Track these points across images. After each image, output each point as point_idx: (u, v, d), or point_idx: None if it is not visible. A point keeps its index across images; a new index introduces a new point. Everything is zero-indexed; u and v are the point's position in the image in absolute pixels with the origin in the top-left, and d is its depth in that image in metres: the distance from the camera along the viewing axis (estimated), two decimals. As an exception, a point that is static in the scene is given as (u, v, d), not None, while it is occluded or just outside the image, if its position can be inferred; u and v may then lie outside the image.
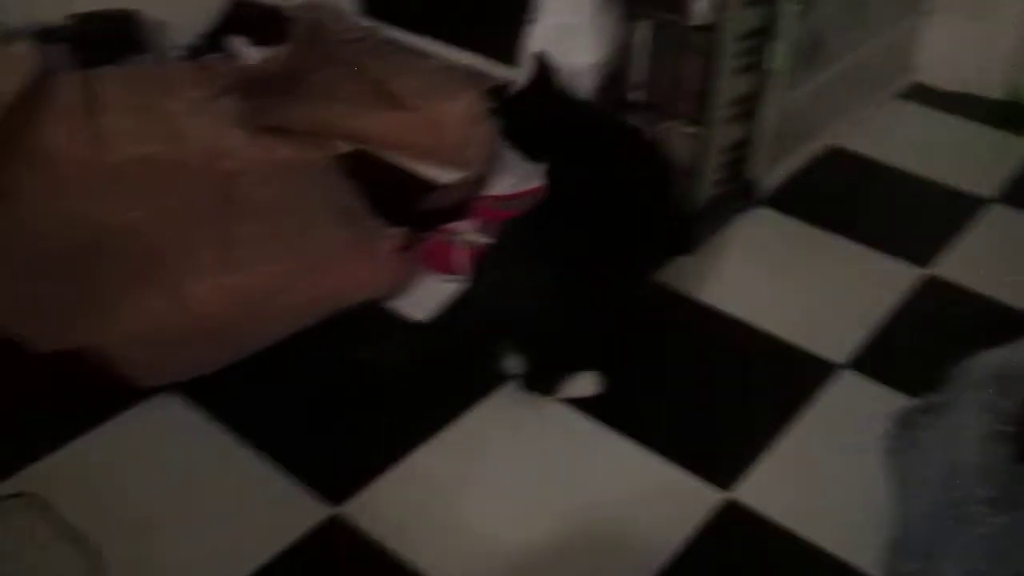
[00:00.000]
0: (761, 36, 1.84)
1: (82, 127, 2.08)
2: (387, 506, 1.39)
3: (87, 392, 1.56)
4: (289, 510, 1.38)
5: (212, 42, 2.52)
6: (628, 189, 1.61)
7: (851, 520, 1.38)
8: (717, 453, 1.49)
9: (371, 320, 1.73)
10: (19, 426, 1.52)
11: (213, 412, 1.53)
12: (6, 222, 1.89)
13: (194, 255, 1.82)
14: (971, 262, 1.90)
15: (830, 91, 2.17)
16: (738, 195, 2.02)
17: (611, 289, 1.57)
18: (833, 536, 1.36)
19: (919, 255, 1.91)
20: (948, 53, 2.48)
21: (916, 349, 1.69)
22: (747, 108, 1.91)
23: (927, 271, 1.88)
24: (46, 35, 2.17)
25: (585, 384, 1.58)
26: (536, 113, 1.68)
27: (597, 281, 1.53)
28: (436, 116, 2.17)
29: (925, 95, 2.50)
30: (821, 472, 1.46)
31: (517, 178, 1.90)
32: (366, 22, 2.56)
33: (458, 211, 1.91)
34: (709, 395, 1.61)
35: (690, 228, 1.91)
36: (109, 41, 2.28)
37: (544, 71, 1.70)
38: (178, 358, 1.61)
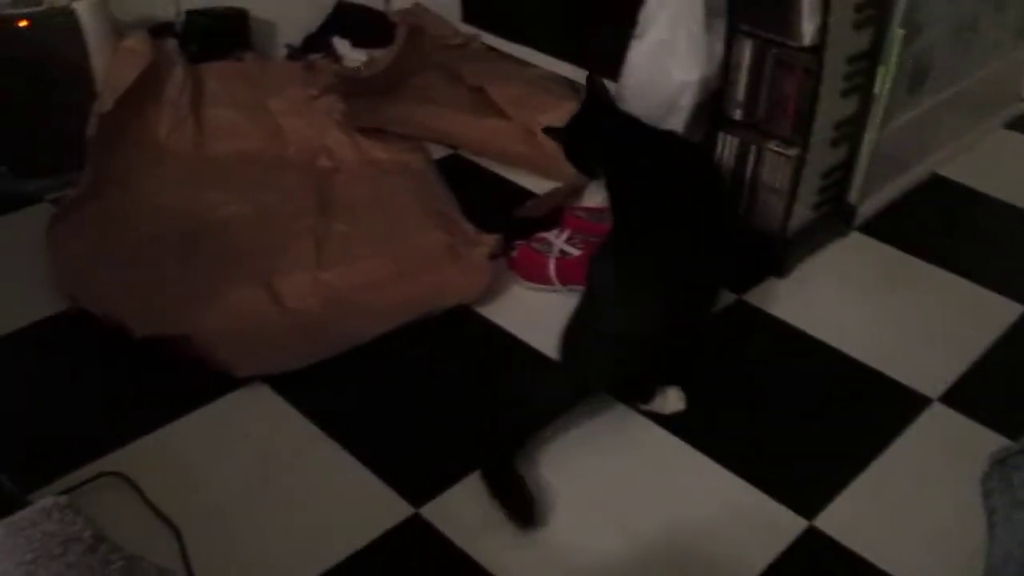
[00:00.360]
0: (866, 59, 1.82)
1: (187, 120, 2.13)
2: (467, 510, 1.40)
3: (181, 379, 1.60)
4: (370, 507, 1.40)
5: (316, 42, 2.57)
6: (684, 197, 1.64)
7: (934, 558, 1.35)
8: (801, 480, 1.47)
9: (462, 326, 1.75)
10: (114, 408, 1.56)
11: (302, 406, 1.56)
12: (114, 209, 1.94)
13: (289, 250, 1.86)
14: (1074, 301, 1.85)
15: (934, 118, 2.13)
16: (836, 220, 1.99)
17: (697, 299, 1.57)
18: (914, 573, 1.33)
19: (1020, 291, 1.86)
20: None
21: (1013, 388, 1.65)
22: (848, 132, 1.89)
23: (1028, 307, 1.83)
24: (158, 30, 2.24)
25: (674, 400, 1.57)
26: (591, 132, 1.79)
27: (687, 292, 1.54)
28: (533, 125, 2.18)
29: (1033, 126, 2.44)
30: (907, 507, 1.43)
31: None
32: (467, 29, 2.58)
33: (550, 221, 1.91)
34: (795, 420, 1.59)
35: (781, 250, 1.88)
36: (217, 37, 2.33)
37: (597, 93, 1.80)
38: (270, 351, 1.64)
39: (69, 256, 1.82)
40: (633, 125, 1.80)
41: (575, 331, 1.55)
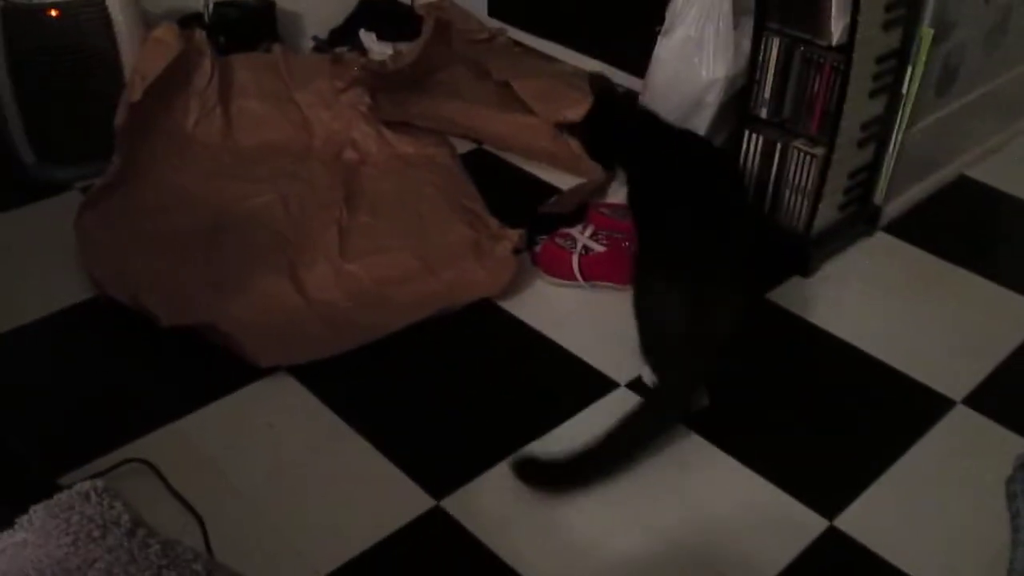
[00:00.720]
0: (895, 59, 1.81)
1: (215, 111, 2.14)
2: (489, 504, 1.40)
3: (206, 368, 1.61)
4: (392, 499, 1.41)
5: (343, 36, 2.58)
6: (709, 193, 1.64)
7: (955, 561, 1.34)
8: (823, 480, 1.47)
9: (486, 321, 1.75)
10: (139, 396, 1.58)
11: (325, 397, 1.57)
12: (141, 198, 1.96)
13: (315, 242, 1.87)
14: (1102, 305, 1.84)
15: (963, 119, 2.12)
16: (862, 220, 1.98)
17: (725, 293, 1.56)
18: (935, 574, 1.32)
19: (1046, 293, 1.85)
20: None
21: (1038, 391, 1.64)
22: (876, 132, 1.88)
23: (1054, 311, 1.82)
24: (187, 21, 2.25)
25: (698, 396, 1.57)
26: (606, 130, 1.79)
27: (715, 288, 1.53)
28: (559, 121, 2.18)
29: (1062, 129, 2.42)
30: (928, 509, 1.42)
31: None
32: (493, 23, 2.58)
33: (574, 217, 1.92)
34: (818, 420, 1.58)
35: (806, 249, 1.88)
36: (245, 29, 2.35)
37: (603, 92, 1.81)
38: (295, 341, 1.65)
39: (97, 244, 1.84)
40: (650, 121, 1.79)
41: (656, 349, 1.56)
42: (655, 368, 1.57)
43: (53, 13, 1.94)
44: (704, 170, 1.70)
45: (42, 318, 1.71)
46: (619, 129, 1.79)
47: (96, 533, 0.78)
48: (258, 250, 1.85)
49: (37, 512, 0.81)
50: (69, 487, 0.83)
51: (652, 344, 1.56)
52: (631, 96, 1.90)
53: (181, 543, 0.81)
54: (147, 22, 2.11)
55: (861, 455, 1.52)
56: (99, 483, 0.83)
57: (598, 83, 1.84)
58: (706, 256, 1.54)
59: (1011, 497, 1.39)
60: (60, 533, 0.78)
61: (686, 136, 1.79)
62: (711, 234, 1.56)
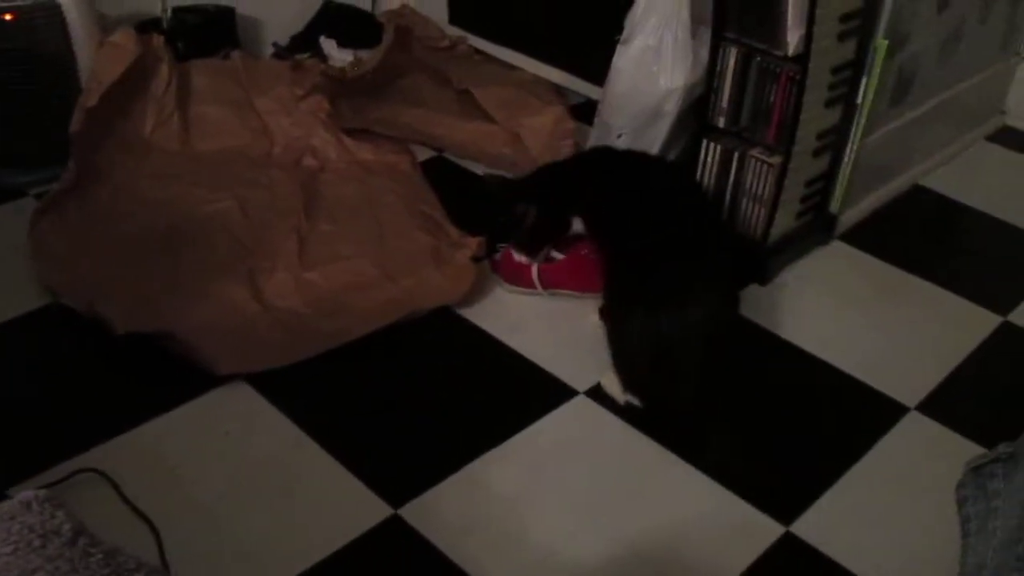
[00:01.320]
0: (851, 70, 1.83)
1: (172, 117, 2.13)
2: (447, 512, 1.40)
3: (162, 376, 1.60)
4: (350, 508, 1.40)
5: (303, 42, 2.57)
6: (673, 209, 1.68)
7: (910, 565, 1.36)
8: (779, 486, 1.48)
9: (445, 328, 1.75)
10: (93, 405, 1.56)
11: (283, 405, 1.56)
12: (97, 204, 1.94)
13: (273, 249, 1.86)
14: (1052, 312, 1.87)
15: (917, 129, 2.15)
16: (818, 228, 2.01)
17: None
18: (892, 580, 1.34)
19: (998, 301, 1.88)
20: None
21: (990, 397, 1.67)
22: (832, 141, 1.90)
23: (1005, 319, 1.84)
24: (145, 26, 2.23)
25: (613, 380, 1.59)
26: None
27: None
28: (519, 129, 2.19)
29: (1013, 139, 2.46)
30: (883, 514, 1.44)
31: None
32: (454, 31, 2.59)
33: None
34: (774, 427, 1.60)
35: (763, 257, 1.90)
36: (204, 35, 2.33)
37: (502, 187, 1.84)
38: (252, 349, 1.64)
39: (52, 251, 1.82)
40: (602, 154, 1.82)
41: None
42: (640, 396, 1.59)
43: (8, 17, 1.92)
44: (668, 191, 1.72)
45: (-4, 326, 1.69)
46: (569, 179, 1.80)
47: (37, 542, 0.78)
48: (216, 257, 1.84)
49: (-23, 523, 0.80)
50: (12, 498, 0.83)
51: (634, 377, 1.59)
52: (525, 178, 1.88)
53: (123, 552, 0.80)
54: (104, 27, 2.09)
55: (817, 461, 1.53)
56: (41, 492, 0.82)
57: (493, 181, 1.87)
58: (683, 282, 1.56)
59: (961, 502, 1.41)
60: (1, 543, 0.77)
61: (643, 159, 1.80)
62: (687, 257, 1.59)
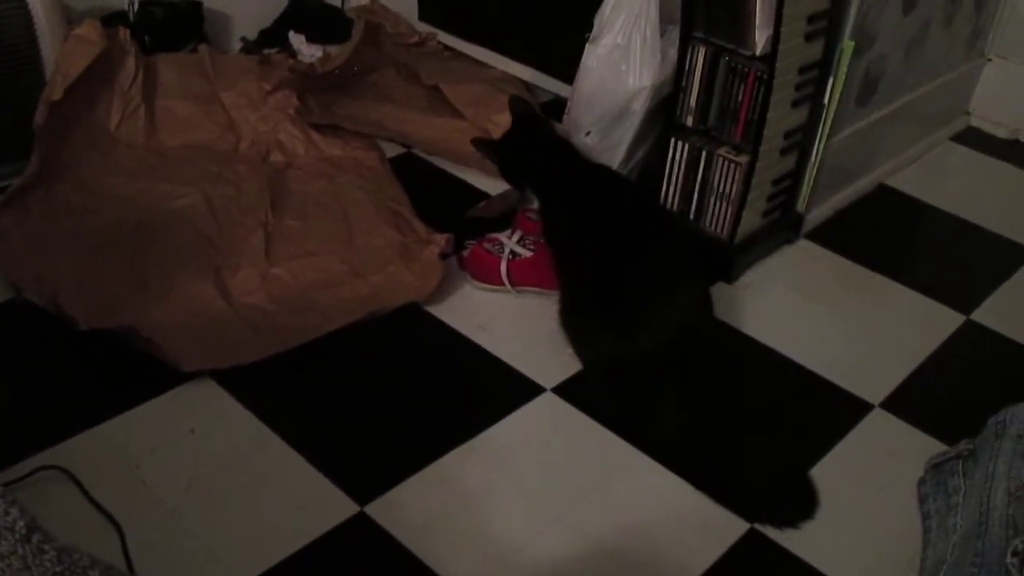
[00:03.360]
0: (817, 70, 1.84)
1: (138, 111, 2.11)
2: (412, 509, 1.40)
3: (126, 372, 1.59)
4: (315, 505, 1.39)
5: (271, 37, 2.55)
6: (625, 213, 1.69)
7: (873, 561, 1.37)
8: (744, 483, 1.49)
9: (412, 325, 1.75)
10: (57, 401, 1.55)
11: (248, 402, 1.55)
12: (61, 199, 1.92)
13: (239, 245, 1.85)
14: (1014, 311, 1.89)
15: (883, 129, 2.17)
16: (784, 227, 2.02)
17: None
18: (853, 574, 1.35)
19: (961, 300, 1.90)
20: (1003, 99, 2.47)
21: (952, 395, 1.68)
22: (798, 140, 1.91)
23: (968, 317, 1.86)
24: (111, 19, 2.21)
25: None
26: (521, 152, 1.83)
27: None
28: (488, 126, 2.19)
29: (978, 140, 2.49)
30: (847, 511, 1.45)
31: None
32: (424, 27, 2.58)
33: (502, 222, 1.92)
34: (738, 425, 1.60)
35: (730, 256, 1.91)
36: (172, 28, 2.31)
37: (524, 115, 1.86)
38: (218, 345, 1.63)
39: (14, 245, 1.80)
40: (565, 152, 1.83)
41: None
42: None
43: (-29, 9, 1.89)
44: (622, 201, 1.73)
45: (-44, 321, 1.67)
46: (534, 156, 1.82)
47: (-10, 539, 0.77)
48: (182, 252, 1.83)
49: (-71, 520, 0.79)
50: (-31, 495, 0.82)
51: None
52: (548, 122, 1.91)
53: (78, 550, 0.79)
54: (69, 19, 2.07)
55: (780, 458, 1.54)
56: (-6, 489, 0.82)
57: (518, 105, 1.86)
58: (639, 297, 1.57)
59: (923, 499, 1.43)
60: (-46, 540, 0.76)
61: (601, 171, 1.82)
62: (640, 269, 1.60)
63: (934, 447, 1.54)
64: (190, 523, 1.36)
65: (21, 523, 0.79)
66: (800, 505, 1.44)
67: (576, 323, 1.63)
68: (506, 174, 1.86)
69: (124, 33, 2.09)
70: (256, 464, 1.46)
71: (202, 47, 2.25)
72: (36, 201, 1.89)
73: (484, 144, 1.86)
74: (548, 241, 1.74)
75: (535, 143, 1.83)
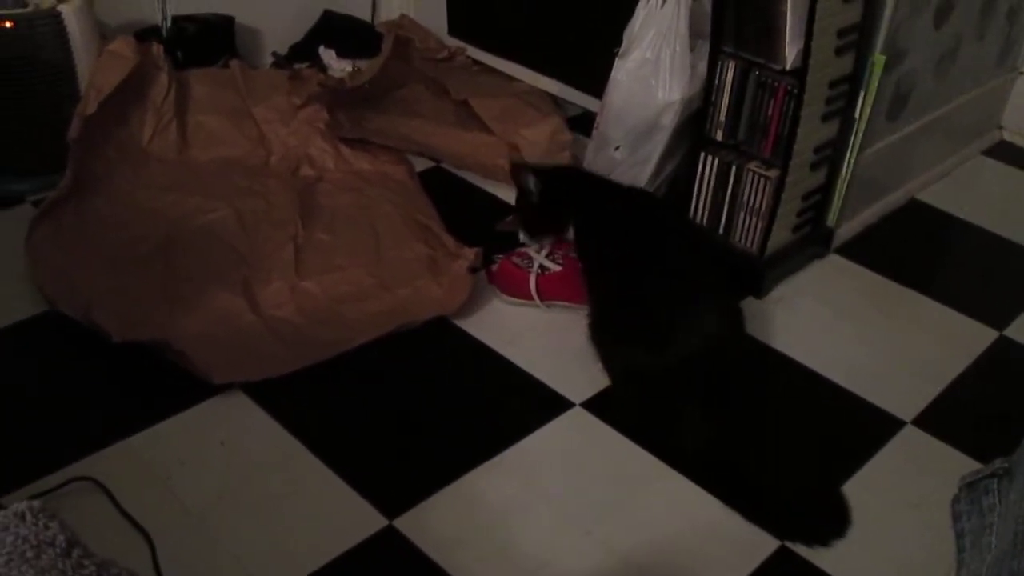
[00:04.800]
0: (848, 84, 1.84)
1: (170, 125, 2.13)
2: (440, 523, 1.40)
3: (158, 385, 1.60)
4: (344, 518, 1.40)
5: (302, 51, 2.58)
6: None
7: (907, 580, 1.36)
8: (774, 500, 1.48)
9: (441, 339, 1.75)
10: (89, 413, 1.56)
11: (277, 414, 1.56)
12: (94, 212, 1.94)
13: (269, 258, 1.86)
14: (1048, 328, 1.87)
15: (914, 144, 2.15)
16: (814, 242, 2.01)
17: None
18: (887, 595, 1.34)
19: (994, 316, 1.88)
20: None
21: (986, 412, 1.67)
22: (829, 155, 1.91)
23: (1002, 333, 1.84)
24: (144, 34, 2.24)
25: None
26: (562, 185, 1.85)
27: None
28: (516, 140, 2.19)
29: (1010, 154, 2.47)
30: (878, 529, 1.44)
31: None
32: (453, 42, 2.59)
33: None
34: (769, 441, 1.60)
35: (759, 271, 1.90)
36: (204, 44, 2.34)
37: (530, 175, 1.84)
38: (248, 358, 1.64)
39: (49, 259, 1.81)
40: (597, 178, 1.88)
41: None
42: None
43: (8, 24, 1.92)
44: (653, 218, 1.75)
45: (-9, 333, 1.69)
46: (573, 187, 1.85)
47: (30, 554, 0.77)
48: (212, 266, 1.84)
49: (-29, 534, 0.80)
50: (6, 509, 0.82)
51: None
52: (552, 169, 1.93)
53: (116, 564, 0.80)
54: (103, 35, 2.10)
55: (811, 475, 1.53)
56: (35, 503, 0.82)
57: (522, 174, 1.87)
58: (666, 314, 1.58)
59: (956, 517, 1.41)
60: (-6, 554, 0.77)
61: (634, 191, 1.84)
62: (669, 287, 1.61)
63: (967, 465, 1.52)
64: (219, 535, 1.36)
65: (61, 537, 0.79)
66: (831, 523, 1.43)
67: (605, 336, 1.63)
68: (543, 215, 1.84)
69: (157, 48, 2.11)
70: (285, 476, 1.46)
71: (234, 62, 2.27)
72: (69, 214, 1.91)
73: (523, 178, 1.84)
74: (581, 257, 1.75)
75: (571, 176, 1.88)
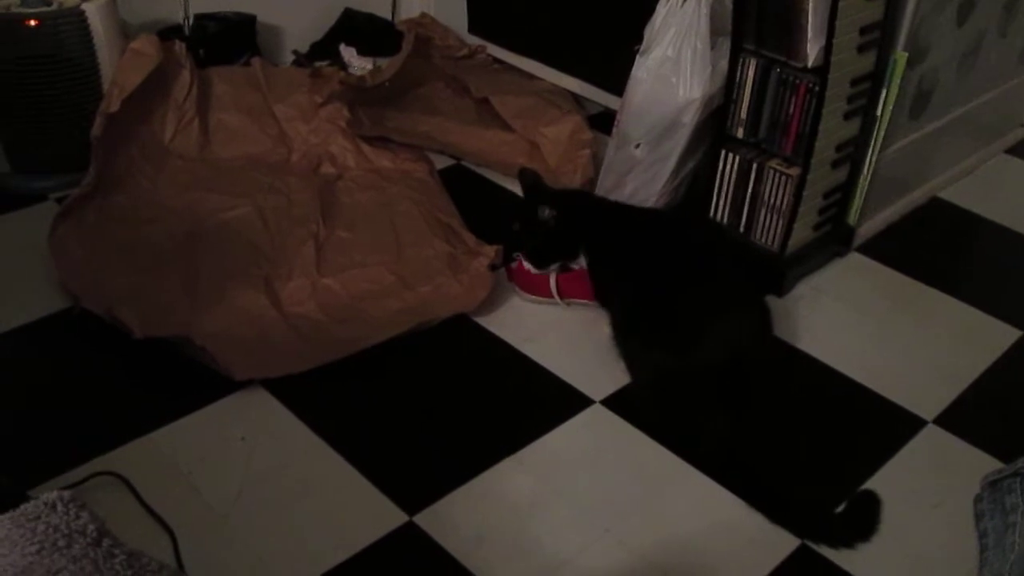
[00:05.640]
0: (870, 82, 1.83)
1: (192, 123, 2.14)
2: (461, 520, 1.40)
3: (180, 380, 1.61)
4: (365, 514, 1.40)
5: (323, 49, 2.58)
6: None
7: (928, 579, 1.35)
8: (796, 499, 1.48)
9: (461, 336, 1.75)
10: (112, 408, 1.57)
11: (298, 410, 1.56)
12: (117, 209, 1.95)
13: (290, 256, 1.87)
14: (1071, 327, 1.86)
15: (936, 142, 2.14)
16: (836, 240, 2.00)
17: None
18: (909, 594, 1.33)
19: (1017, 315, 1.87)
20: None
21: (1009, 411, 1.66)
22: (850, 153, 1.90)
23: (1024, 332, 1.84)
24: (166, 33, 2.25)
25: None
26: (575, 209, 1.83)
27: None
28: (536, 138, 2.19)
29: (1034, 152, 2.46)
30: (899, 527, 1.43)
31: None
32: (473, 40, 2.59)
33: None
34: (790, 440, 1.59)
35: (780, 269, 1.89)
36: (225, 42, 2.35)
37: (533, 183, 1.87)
38: (269, 355, 1.65)
39: (72, 255, 1.83)
40: (610, 201, 1.89)
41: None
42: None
43: (32, 23, 1.93)
44: (676, 224, 1.79)
45: (16, 328, 1.70)
46: (587, 209, 1.85)
47: (61, 543, 0.78)
48: (234, 263, 1.85)
49: (3, 522, 0.81)
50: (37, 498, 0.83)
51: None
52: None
53: (146, 554, 0.81)
54: (126, 33, 2.11)
55: (833, 474, 1.52)
56: (66, 494, 0.83)
57: (528, 176, 1.88)
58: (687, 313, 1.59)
59: (979, 516, 1.40)
60: (26, 542, 0.78)
61: (651, 210, 1.87)
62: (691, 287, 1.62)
63: (990, 464, 1.51)
64: (240, 530, 1.37)
65: (92, 527, 0.80)
66: (857, 525, 1.42)
67: (629, 338, 1.63)
68: (555, 244, 1.82)
69: (179, 47, 2.12)
70: (306, 472, 1.47)
71: (255, 60, 2.28)
72: (92, 211, 1.93)
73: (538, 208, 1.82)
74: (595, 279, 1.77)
75: (584, 202, 1.90)
